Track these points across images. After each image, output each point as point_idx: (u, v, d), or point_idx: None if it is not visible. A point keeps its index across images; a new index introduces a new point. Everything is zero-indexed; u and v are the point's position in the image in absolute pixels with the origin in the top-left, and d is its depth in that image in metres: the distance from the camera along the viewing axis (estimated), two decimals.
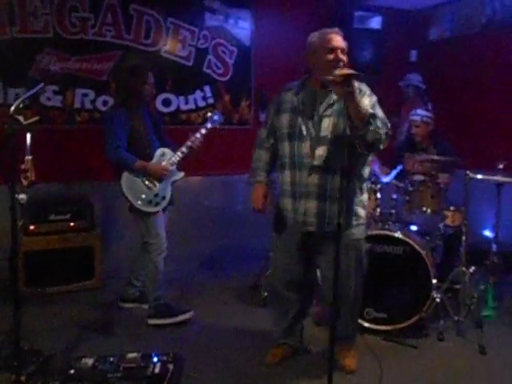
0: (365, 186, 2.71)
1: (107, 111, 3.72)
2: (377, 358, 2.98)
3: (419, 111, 4.17)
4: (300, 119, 2.58)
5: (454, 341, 3.24)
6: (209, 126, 3.57)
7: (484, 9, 4.99)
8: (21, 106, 2.56)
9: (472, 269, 3.33)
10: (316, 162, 2.54)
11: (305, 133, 2.56)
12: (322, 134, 2.52)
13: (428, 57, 5.63)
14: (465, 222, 3.36)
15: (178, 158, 3.50)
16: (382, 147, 2.39)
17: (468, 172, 3.29)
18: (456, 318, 3.32)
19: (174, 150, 3.52)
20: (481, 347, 3.09)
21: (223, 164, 5.00)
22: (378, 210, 3.62)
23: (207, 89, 4.86)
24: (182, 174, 3.60)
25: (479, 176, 3.28)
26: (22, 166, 2.55)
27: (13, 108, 2.54)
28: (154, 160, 3.47)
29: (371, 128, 2.29)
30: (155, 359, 2.83)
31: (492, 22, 4.91)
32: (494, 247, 3.68)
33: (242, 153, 5.21)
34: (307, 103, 2.59)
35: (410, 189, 3.58)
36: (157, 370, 2.69)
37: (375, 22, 5.14)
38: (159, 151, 3.52)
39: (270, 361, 2.94)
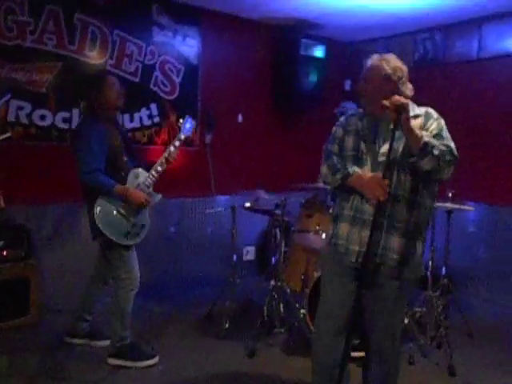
0: (430, 218, 2.52)
1: (82, 126, 3.21)
2: None
3: None
4: (363, 144, 2.47)
5: (424, 363, 3.33)
6: (182, 136, 3.29)
7: (416, 46, 5.34)
8: None
9: (437, 293, 3.46)
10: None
11: (366, 157, 2.46)
12: (380, 159, 2.40)
13: None
14: (432, 247, 3.49)
15: (153, 179, 3.19)
16: (444, 176, 2.30)
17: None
18: (422, 341, 3.41)
19: (147, 169, 3.21)
20: (450, 368, 3.20)
21: (168, 186, 4.74)
22: None
23: (153, 107, 4.61)
24: (159, 196, 3.29)
25: (437, 204, 3.41)
26: None
27: None
28: (129, 183, 3.13)
29: (427, 157, 2.22)
30: None
31: (424, 59, 5.28)
32: (444, 270, 3.88)
33: (188, 175, 5.06)
34: (369, 129, 2.49)
35: None
36: None
37: (319, 51, 5.27)
38: (132, 173, 3.17)
39: None
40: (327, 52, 5.35)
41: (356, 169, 2.46)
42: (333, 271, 2.56)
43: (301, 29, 5.12)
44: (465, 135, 4.87)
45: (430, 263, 3.52)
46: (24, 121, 3.96)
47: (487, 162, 4.80)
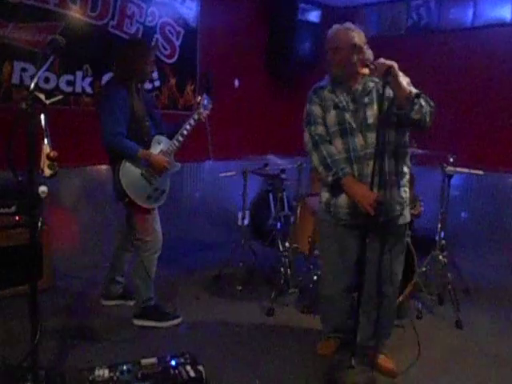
0: (409, 165, 2.73)
1: (106, 89, 3.20)
2: None
3: None
4: (346, 115, 2.59)
5: (431, 318, 3.56)
6: (202, 111, 3.33)
7: (410, 13, 5.43)
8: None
9: (445, 253, 3.66)
10: (370, 150, 2.53)
11: (355, 126, 2.57)
12: (369, 121, 2.55)
13: None
14: (441, 210, 3.67)
15: (174, 147, 3.22)
16: (428, 125, 2.49)
17: (445, 165, 3.59)
18: (430, 297, 3.63)
19: (170, 137, 3.24)
20: (458, 321, 3.43)
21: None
22: None
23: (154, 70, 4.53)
24: (179, 165, 3.32)
25: (458, 169, 3.58)
26: (47, 152, 2.15)
27: (32, 85, 2.13)
28: (152, 149, 3.14)
29: (416, 107, 2.40)
30: (173, 362, 2.63)
31: (417, 25, 5.38)
32: (442, 234, 4.08)
33: (188, 140, 5.03)
34: (347, 98, 2.62)
35: None
36: (192, 374, 2.50)
37: (314, 16, 5.28)
38: (156, 139, 3.19)
39: (324, 352, 2.94)
40: (322, 17, 5.36)
41: (347, 169, 2.58)
42: (333, 234, 2.74)
43: None
44: (456, 102, 5.06)
45: (439, 225, 3.70)
46: (28, 83, 3.83)
47: (477, 129, 5.00)
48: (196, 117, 3.31)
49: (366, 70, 2.56)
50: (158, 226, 3.24)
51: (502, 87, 4.85)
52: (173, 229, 4.92)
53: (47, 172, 2.16)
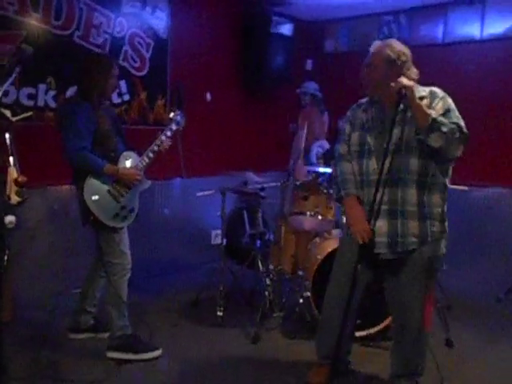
0: (445, 196, 2.52)
1: (67, 105, 3.04)
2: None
3: None
4: (368, 136, 2.48)
5: None
6: (174, 127, 3.20)
7: (381, 28, 5.42)
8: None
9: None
10: (383, 176, 2.38)
11: (373, 149, 2.46)
12: (390, 146, 2.38)
13: (323, 67, 5.89)
14: None
15: (144, 164, 3.04)
16: (454, 154, 2.34)
17: None
18: None
19: (139, 154, 3.05)
20: (448, 340, 3.33)
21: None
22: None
23: (123, 84, 4.29)
24: (148, 182, 3.14)
25: None
26: (15, 177, 1.89)
27: None
28: (120, 165, 2.96)
29: (433, 133, 2.24)
30: None
31: None
32: None
33: (159, 157, 4.78)
34: (376, 118, 2.50)
35: None
36: None
37: (287, 29, 5.18)
38: (124, 155, 3.00)
39: (315, 381, 2.71)
40: (294, 31, 5.27)
41: (351, 191, 2.55)
42: (347, 253, 2.61)
43: (271, 4, 4.99)
44: None
45: None
46: None
47: None
48: (168, 133, 3.16)
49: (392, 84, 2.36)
50: (126, 248, 3.03)
51: (472, 103, 4.87)
52: (142, 250, 4.64)
53: (15, 199, 1.91)
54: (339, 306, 2.59)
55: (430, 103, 2.38)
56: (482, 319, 3.84)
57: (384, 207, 2.43)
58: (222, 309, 3.59)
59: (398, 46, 2.48)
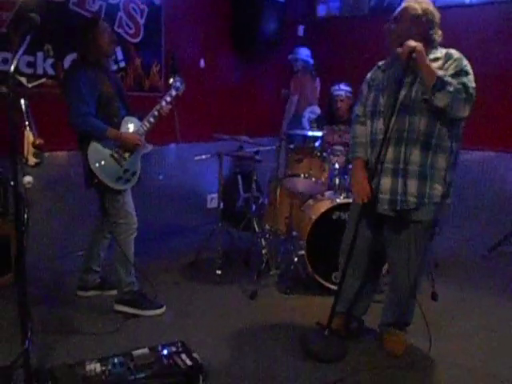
0: (452, 160, 2.52)
1: (71, 70, 3.11)
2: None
3: (342, 86, 4.32)
4: (381, 97, 2.54)
5: None
6: (173, 93, 3.26)
7: None
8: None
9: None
10: (389, 135, 2.46)
11: (382, 109, 2.52)
12: (397, 105, 2.44)
13: (315, 33, 5.93)
14: None
15: (145, 128, 3.14)
16: (461, 114, 2.34)
17: None
18: None
19: (140, 118, 3.15)
20: (433, 294, 3.55)
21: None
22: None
23: (119, 51, 4.34)
24: (150, 146, 3.24)
25: None
26: (32, 140, 2.01)
27: (12, 68, 1.98)
28: (122, 130, 3.06)
29: (438, 92, 2.26)
30: (165, 352, 2.57)
31: (380, 5, 5.42)
32: None
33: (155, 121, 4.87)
34: (392, 78, 2.53)
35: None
36: (189, 362, 2.46)
37: None
38: (126, 119, 3.10)
39: (333, 328, 2.78)
40: None
41: (359, 154, 2.70)
42: (357, 217, 2.69)
43: None
44: None
45: None
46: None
47: None
48: (168, 99, 3.23)
49: (399, 50, 2.38)
50: (132, 208, 3.17)
51: None
52: (139, 214, 4.79)
53: (32, 161, 2.05)
54: (359, 264, 2.79)
55: (443, 64, 2.41)
56: (466, 275, 4.08)
57: (388, 165, 2.51)
58: (220, 267, 3.78)
59: (428, 4, 2.47)
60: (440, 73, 2.32)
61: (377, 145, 2.55)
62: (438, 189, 2.52)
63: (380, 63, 2.70)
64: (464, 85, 2.32)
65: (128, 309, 3.16)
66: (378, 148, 2.50)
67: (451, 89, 2.27)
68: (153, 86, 4.67)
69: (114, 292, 3.31)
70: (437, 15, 2.48)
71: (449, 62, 2.42)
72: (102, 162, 2.97)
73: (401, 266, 2.67)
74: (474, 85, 2.37)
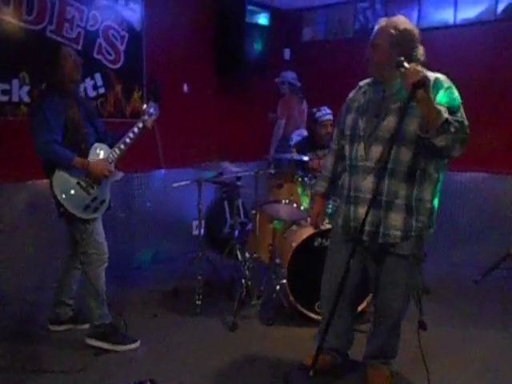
0: (437, 189, 2.39)
1: (38, 99, 3.09)
2: None
3: (327, 110, 4.26)
4: (361, 120, 2.40)
5: None
6: (146, 118, 3.21)
7: (357, 15, 5.44)
8: None
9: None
10: (370, 164, 2.34)
11: (362, 133, 2.38)
12: (381, 132, 2.31)
13: (301, 56, 5.91)
14: None
15: (115, 156, 3.06)
16: (455, 154, 2.17)
17: None
18: None
19: (111, 145, 3.06)
20: (421, 323, 3.39)
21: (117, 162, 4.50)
22: None
23: (98, 77, 4.29)
24: (121, 173, 3.15)
25: None
26: None
27: None
28: (90, 157, 2.96)
29: (442, 134, 2.08)
30: None
31: (364, 28, 5.39)
32: None
33: (137, 149, 4.78)
34: (374, 102, 2.39)
35: None
36: None
37: (263, 18, 5.19)
38: (95, 147, 3.01)
39: (318, 368, 2.58)
40: (271, 20, 5.28)
41: (319, 188, 2.76)
42: (338, 245, 2.61)
43: None
44: None
45: None
46: None
47: None
48: (140, 125, 3.17)
49: (401, 71, 2.12)
50: (102, 237, 3.06)
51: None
52: (123, 242, 4.69)
53: None
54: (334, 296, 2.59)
55: (431, 92, 2.16)
56: (458, 302, 3.92)
57: (366, 196, 2.36)
58: (200, 298, 3.64)
59: (404, 23, 2.28)
60: (443, 111, 2.11)
61: (356, 172, 2.43)
62: (424, 221, 2.39)
63: (361, 83, 2.56)
64: (462, 123, 2.15)
65: (100, 343, 3.03)
66: (357, 176, 2.41)
67: (453, 129, 2.09)
68: (134, 112, 4.60)
69: (87, 325, 3.17)
70: (415, 32, 2.30)
71: (440, 92, 2.23)
72: (68, 191, 2.87)
73: (386, 300, 2.55)
74: (467, 122, 2.19)
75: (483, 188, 4.88)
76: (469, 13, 4.73)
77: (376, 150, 2.33)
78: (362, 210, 2.37)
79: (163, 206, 5.00)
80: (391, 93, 2.35)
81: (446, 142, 2.11)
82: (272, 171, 3.68)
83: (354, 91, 2.58)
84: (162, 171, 4.95)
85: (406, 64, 2.10)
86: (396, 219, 2.34)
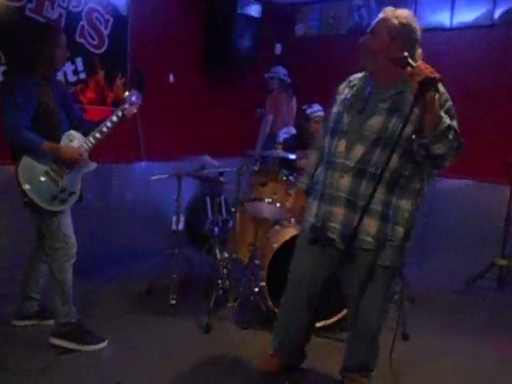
0: (418, 202, 2.27)
1: (8, 78, 2.88)
2: None
3: (319, 107, 4.12)
4: (346, 114, 2.26)
5: None
6: (126, 106, 3.02)
7: (352, 13, 5.30)
8: None
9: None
10: (349, 163, 2.22)
11: (345, 128, 2.25)
12: (366, 131, 2.18)
13: (293, 51, 5.76)
14: None
15: (90, 145, 2.87)
16: (447, 164, 2.08)
17: None
18: None
19: (85, 134, 2.87)
20: (404, 334, 3.29)
21: (96, 151, 4.30)
22: None
23: (79, 61, 4.09)
24: (94, 164, 2.97)
25: None
26: None
27: None
28: (62, 145, 2.77)
29: (441, 141, 1.98)
30: None
31: (359, 26, 5.26)
32: None
33: (118, 139, 4.59)
34: (360, 97, 2.26)
35: None
36: None
37: (255, 10, 5.02)
38: (67, 134, 2.81)
39: (267, 369, 2.59)
40: (263, 12, 5.12)
41: (302, 185, 2.59)
42: (304, 246, 2.47)
43: None
44: None
45: None
46: None
47: None
48: (120, 113, 2.98)
49: (408, 70, 2.00)
50: (69, 231, 2.87)
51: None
52: (99, 235, 4.50)
53: None
54: (296, 300, 2.53)
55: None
56: (442, 312, 3.82)
57: (342, 195, 2.24)
58: (174, 297, 3.48)
59: (409, 19, 2.16)
60: (445, 117, 2.00)
61: (334, 169, 2.28)
62: (400, 231, 2.24)
63: (352, 77, 2.42)
64: (456, 132, 2.04)
65: (64, 343, 2.85)
66: (335, 173, 2.26)
67: (451, 136, 1.99)
68: (116, 100, 4.40)
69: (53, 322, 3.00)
70: (418, 31, 2.18)
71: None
72: (35, 180, 2.68)
73: (363, 312, 2.40)
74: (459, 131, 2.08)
75: (467, 196, 4.79)
76: (466, 16, 4.63)
77: (358, 149, 2.20)
78: (335, 210, 2.26)
79: (142, 200, 4.81)
80: (381, 89, 2.22)
81: (444, 149, 2.00)
82: (256, 168, 3.53)
83: (343, 84, 2.46)
84: (143, 163, 4.77)
85: (411, 61, 1.98)
86: (370, 225, 2.20)
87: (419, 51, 2.19)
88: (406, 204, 2.22)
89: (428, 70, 1.94)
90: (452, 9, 4.69)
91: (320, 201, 2.35)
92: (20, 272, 3.54)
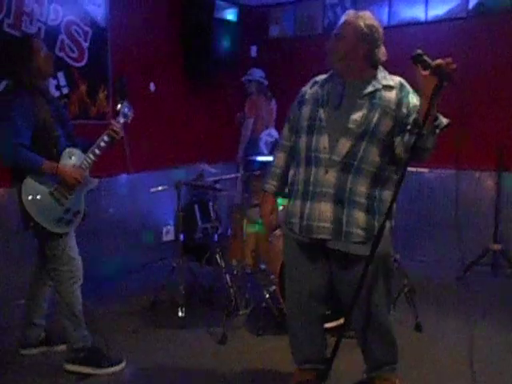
0: (390, 192, 2.29)
1: (4, 98, 2.67)
2: None
3: None
4: (322, 110, 2.27)
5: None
6: (121, 120, 2.93)
7: (326, 12, 5.34)
8: None
9: (397, 256, 3.54)
10: (334, 157, 2.22)
11: (325, 124, 2.25)
12: (350, 125, 2.20)
13: (268, 53, 5.75)
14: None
15: (89, 161, 2.76)
16: (423, 159, 2.15)
17: None
18: None
19: (84, 150, 2.78)
20: (418, 325, 3.33)
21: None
22: None
23: (61, 76, 3.97)
24: (96, 181, 2.88)
25: None
26: None
27: None
28: (61, 163, 2.67)
29: (433, 136, 2.05)
30: None
31: (333, 25, 5.26)
32: None
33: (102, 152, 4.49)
34: (334, 94, 2.29)
35: None
36: None
37: (231, 14, 5.00)
38: (67, 152, 2.71)
39: (302, 381, 2.51)
40: (239, 16, 5.10)
41: (271, 187, 2.53)
42: (295, 250, 2.42)
43: None
44: None
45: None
46: None
47: None
48: (116, 127, 2.88)
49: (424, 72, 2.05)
50: (75, 253, 2.77)
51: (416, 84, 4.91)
52: (89, 253, 4.33)
53: None
54: (302, 313, 2.49)
55: (401, 98, 2.21)
56: (444, 300, 3.89)
57: (328, 190, 2.23)
58: (183, 309, 3.42)
59: (372, 19, 2.27)
60: (441, 117, 2.09)
61: (318, 164, 2.25)
62: (387, 223, 2.22)
63: (317, 78, 2.45)
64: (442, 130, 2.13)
65: (82, 368, 2.75)
66: (319, 168, 2.24)
67: (437, 131, 2.07)
68: (100, 113, 4.31)
69: (63, 347, 2.89)
70: (381, 31, 2.28)
71: (410, 96, 2.22)
72: (39, 202, 2.58)
73: (368, 307, 2.35)
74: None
75: (454, 184, 4.89)
76: (440, 9, 4.73)
77: (344, 144, 2.21)
78: (323, 207, 2.24)
79: (130, 213, 4.71)
80: (353, 87, 2.26)
81: (433, 144, 2.08)
82: (256, 173, 3.50)
83: (308, 85, 2.46)
84: (129, 176, 4.66)
85: (426, 57, 2.03)
86: (359, 217, 2.23)
87: (382, 50, 2.29)
88: (388, 195, 2.27)
89: (449, 64, 2.00)
90: (426, 2, 4.78)
91: (303, 200, 2.30)
92: (15, 297, 3.42)
